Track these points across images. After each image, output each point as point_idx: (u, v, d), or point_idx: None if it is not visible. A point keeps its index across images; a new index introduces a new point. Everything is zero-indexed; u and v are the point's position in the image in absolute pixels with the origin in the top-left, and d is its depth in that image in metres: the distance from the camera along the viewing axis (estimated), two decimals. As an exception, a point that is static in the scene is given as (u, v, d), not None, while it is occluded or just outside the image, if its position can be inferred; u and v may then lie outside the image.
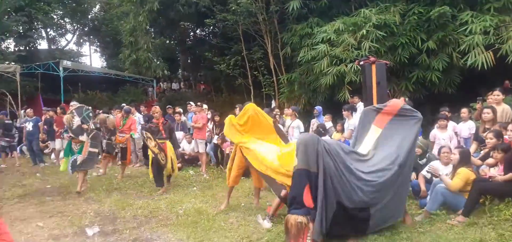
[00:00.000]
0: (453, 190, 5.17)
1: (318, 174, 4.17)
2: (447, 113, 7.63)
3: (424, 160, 6.48)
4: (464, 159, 5.36)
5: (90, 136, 7.81)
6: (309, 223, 4.12)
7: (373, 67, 6.44)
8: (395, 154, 4.62)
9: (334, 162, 4.25)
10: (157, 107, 8.33)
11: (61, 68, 16.70)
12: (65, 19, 28.92)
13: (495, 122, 6.23)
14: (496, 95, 6.68)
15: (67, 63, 17.83)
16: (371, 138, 4.87)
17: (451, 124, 7.38)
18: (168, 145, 7.82)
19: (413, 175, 6.09)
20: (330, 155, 4.25)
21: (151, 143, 7.59)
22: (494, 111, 6.35)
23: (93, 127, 7.95)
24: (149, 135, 7.63)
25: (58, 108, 12.30)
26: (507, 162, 4.95)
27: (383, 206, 4.50)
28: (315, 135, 4.47)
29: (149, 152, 7.78)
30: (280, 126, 9.80)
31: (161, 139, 7.77)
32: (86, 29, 30.44)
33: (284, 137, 6.41)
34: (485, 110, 6.43)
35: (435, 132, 7.29)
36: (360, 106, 9.24)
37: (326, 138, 8.54)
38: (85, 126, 7.82)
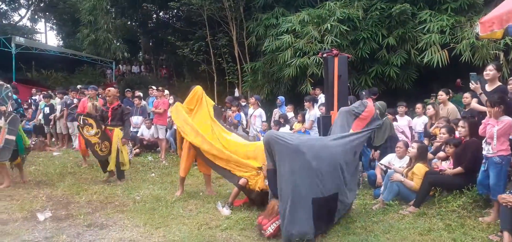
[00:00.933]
0: (416, 189, 5.36)
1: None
2: (404, 107, 7.90)
3: (380, 122, 6.72)
4: (422, 154, 5.57)
5: (7, 121, 6.46)
6: None
7: (336, 60, 6.55)
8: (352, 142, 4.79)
9: (300, 157, 4.19)
10: (112, 88, 7.41)
11: (13, 45, 15.75)
12: (19, -8, 27.32)
13: (438, 116, 6.58)
14: (439, 95, 7.02)
15: (20, 39, 16.85)
16: None
17: (406, 118, 7.67)
18: (116, 132, 6.93)
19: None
20: (295, 152, 4.20)
21: (90, 131, 6.76)
22: (435, 107, 6.77)
23: (11, 110, 6.64)
24: (90, 121, 6.80)
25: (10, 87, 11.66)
26: (456, 157, 5.21)
27: (345, 190, 4.58)
28: (271, 135, 4.38)
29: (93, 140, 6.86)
30: (242, 115, 9.83)
31: (108, 125, 6.96)
32: (41, 5, 28.84)
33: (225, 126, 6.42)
34: (427, 107, 6.82)
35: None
36: (321, 97, 9.41)
37: (286, 128, 8.64)
38: (3, 108, 6.47)
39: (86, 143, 7.04)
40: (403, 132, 7.52)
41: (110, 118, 6.99)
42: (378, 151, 6.75)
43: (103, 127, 6.89)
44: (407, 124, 7.55)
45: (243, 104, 10.69)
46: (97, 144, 6.81)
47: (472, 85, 5.21)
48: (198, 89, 6.07)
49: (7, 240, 4.34)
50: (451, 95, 7.38)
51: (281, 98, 10.39)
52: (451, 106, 6.85)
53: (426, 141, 6.77)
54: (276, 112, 9.96)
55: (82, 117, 6.90)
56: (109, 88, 7.44)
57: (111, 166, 6.92)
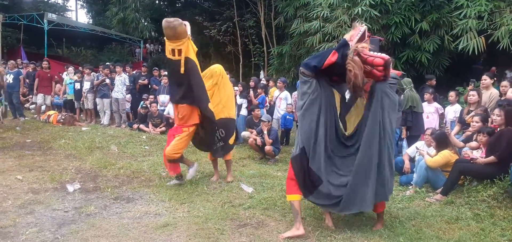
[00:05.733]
0: (430, 166, 5.27)
1: None
2: (429, 94, 7.59)
3: (401, 96, 6.71)
4: (441, 142, 5.43)
5: None
6: None
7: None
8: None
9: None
10: None
11: (45, 21, 16.12)
12: (52, -30, 27.82)
13: (480, 105, 6.33)
14: (483, 80, 6.74)
15: (52, 16, 17.20)
16: None
17: (434, 105, 7.43)
18: None
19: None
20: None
21: None
22: (479, 94, 6.46)
23: None
24: None
25: (44, 61, 12.03)
26: (490, 146, 5.02)
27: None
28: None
29: None
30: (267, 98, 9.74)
31: None
32: (73, -18, 29.40)
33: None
34: (471, 93, 6.56)
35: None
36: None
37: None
38: None
39: None
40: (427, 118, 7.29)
41: None
42: (404, 128, 6.63)
43: None
44: (434, 111, 7.32)
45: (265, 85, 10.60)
46: None
47: None
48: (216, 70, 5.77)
49: (39, 208, 4.50)
50: (495, 80, 7.09)
51: (299, 82, 10.15)
52: (494, 91, 6.58)
53: (457, 128, 6.56)
54: (295, 95, 9.72)
55: None
56: None
57: None
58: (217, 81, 5.61)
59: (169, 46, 5.02)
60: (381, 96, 3.74)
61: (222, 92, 5.65)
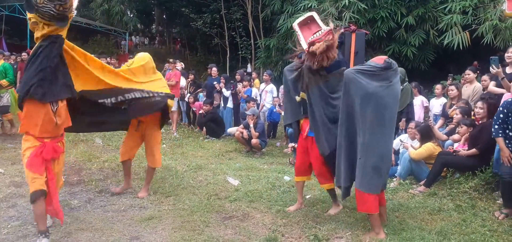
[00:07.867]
0: (414, 158, 5.34)
1: None
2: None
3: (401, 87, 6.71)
4: (425, 135, 5.51)
5: None
6: None
7: (353, 35, 6.42)
8: None
9: None
10: None
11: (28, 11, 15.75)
12: (34, -41, 27.17)
13: (460, 98, 6.44)
14: (467, 74, 6.85)
15: (35, 7, 16.82)
16: None
17: (420, 98, 7.53)
18: None
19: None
20: None
21: None
22: (458, 88, 6.59)
23: None
24: None
25: (24, 53, 11.80)
26: (472, 138, 5.11)
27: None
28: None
29: None
30: (253, 90, 9.72)
31: None
32: (56, -27, 28.75)
33: None
34: (450, 87, 6.69)
35: None
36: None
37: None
38: None
39: None
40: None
41: None
42: (404, 119, 6.71)
43: None
44: (420, 104, 7.42)
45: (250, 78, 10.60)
46: None
47: (493, 70, 5.04)
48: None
49: (21, 202, 4.43)
50: (478, 74, 7.20)
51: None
52: (478, 85, 6.67)
53: (441, 121, 6.67)
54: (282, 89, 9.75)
55: None
56: None
57: None
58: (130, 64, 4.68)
59: (42, 25, 3.34)
60: (345, 81, 3.68)
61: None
